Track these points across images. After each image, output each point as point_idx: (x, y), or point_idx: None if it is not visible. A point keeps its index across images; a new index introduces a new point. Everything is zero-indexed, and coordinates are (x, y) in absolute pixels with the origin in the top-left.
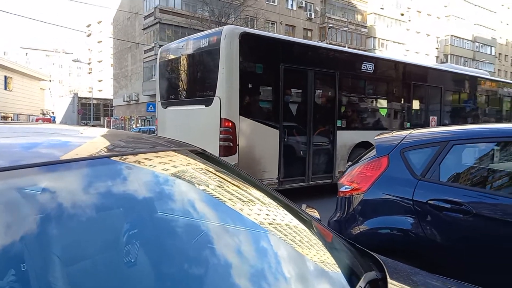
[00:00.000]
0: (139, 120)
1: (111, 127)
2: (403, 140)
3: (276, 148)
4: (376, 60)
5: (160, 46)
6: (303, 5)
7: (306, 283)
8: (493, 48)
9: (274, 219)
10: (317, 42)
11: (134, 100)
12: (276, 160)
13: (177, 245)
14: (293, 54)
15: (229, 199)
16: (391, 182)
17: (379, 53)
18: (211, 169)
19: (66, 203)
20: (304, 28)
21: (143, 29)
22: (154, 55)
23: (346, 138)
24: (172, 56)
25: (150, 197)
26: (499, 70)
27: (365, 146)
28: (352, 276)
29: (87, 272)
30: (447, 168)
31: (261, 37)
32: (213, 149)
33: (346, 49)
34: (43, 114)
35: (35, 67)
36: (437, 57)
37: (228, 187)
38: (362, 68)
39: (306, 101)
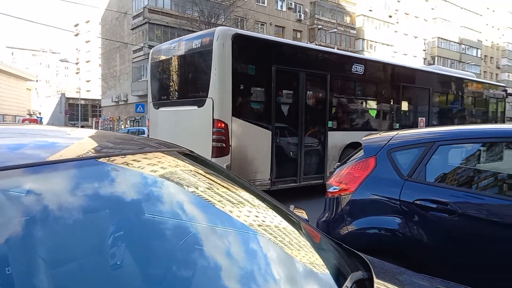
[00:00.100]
0: (128, 121)
1: (100, 128)
2: (390, 141)
3: (268, 149)
4: (366, 62)
5: (149, 46)
6: (293, 6)
7: (293, 283)
8: (479, 50)
9: (262, 220)
10: (307, 43)
11: (123, 100)
12: (268, 161)
13: (165, 247)
14: (285, 56)
15: (217, 201)
16: (379, 182)
17: (368, 54)
18: (199, 171)
19: (51, 205)
20: (293, 29)
21: (132, 29)
22: (143, 55)
23: (337, 139)
24: (164, 57)
25: (138, 198)
26: (484, 71)
27: (355, 146)
28: (339, 276)
29: (73, 276)
30: (433, 169)
31: (253, 39)
32: (206, 150)
33: (337, 51)
34: (30, 114)
35: (22, 67)
36: (425, 58)
37: (217, 188)
38: (352, 69)
39: (298, 102)
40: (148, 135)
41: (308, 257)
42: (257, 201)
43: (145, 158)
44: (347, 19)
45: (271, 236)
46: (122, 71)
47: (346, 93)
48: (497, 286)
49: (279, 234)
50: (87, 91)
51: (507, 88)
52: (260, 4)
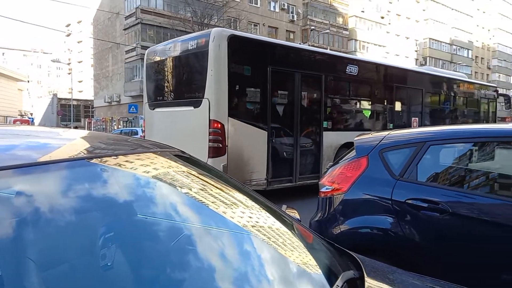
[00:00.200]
0: (121, 122)
1: (92, 128)
2: (382, 141)
3: (264, 149)
4: (360, 63)
5: (142, 46)
6: (286, 7)
7: (285, 283)
8: (469, 51)
9: (253, 221)
10: (300, 44)
11: (116, 101)
12: (264, 161)
13: (158, 248)
14: (280, 57)
15: (210, 201)
16: (371, 182)
17: (360, 55)
18: (191, 171)
19: (42, 206)
20: (286, 30)
21: (124, 30)
22: (136, 55)
23: (332, 139)
24: (159, 58)
25: (130, 199)
26: (475, 72)
27: (350, 146)
28: (330, 276)
29: (65, 278)
30: (424, 168)
31: (249, 40)
32: (202, 150)
33: (331, 52)
34: (21, 115)
35: (12, 67)
36: (416, 59)
37: (209, 189)
38: (346, 70)
39: (293, 103)
40: (144, 136)
41: (300, 257)
42: (249, 202)
43: (137, 159)
44: (340, 20)
45: (262, 236)
46: (114, 71)
47: (341, 94)
48: (488, 285)
49: (271, 235)
50: (79, 91)
51: (498, 89)
52: (253, 5)
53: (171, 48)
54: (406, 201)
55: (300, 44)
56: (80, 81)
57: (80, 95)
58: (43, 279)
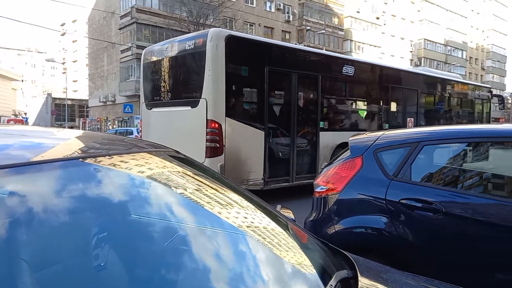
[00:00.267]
0: (116, 121)
1: (87, 128)
2: (376, 141)
3: (262, 149)
4: (356, 63)
5: (137, 46)
6: (281, 7)
7: (280, 283)
8: (464, 52)
9: (247, 220)
10: (295, 44)
11: (111, 101)
12: (261, 161)
13: (152, 248)
14: (277, 57)
15: (204, 201)
16: (365, 182)
17: (356, 55)
18: (186, 171)
19: (34, 206)
20: (282, 30)
21: (120, 29)
22: (131, 55)
23: (328, 139)
24: (157, 58)
25: (124, 199)
26: (470, 73)
27: (346, 146)
28: (324, 275)
29: (58, 279)
30: (418, 168)
31: (246, 40)
32: (200, 150)
33: (327, 52)
34: (15, 115)
35: (6, 67)
36: (411, 60)
37: (203, 189)
38: (343, 71)
39: (290, 103)
40: (141, 136)
41: (294, 257)
42: (243, 202)
43: (131, 158)
44: (335, 20)
45: (257, 236)
46: (109, 71)
47: (337, 94)
48: (482, 285)
49: (265, 235)
50: (74, 91)
51: (492, 90)
52: (249, 5)
53: (169, 48)
54: (400, 201)
55: (296, 44)
56: (75, 81)
57: (75, 95)
58: (37, 280)
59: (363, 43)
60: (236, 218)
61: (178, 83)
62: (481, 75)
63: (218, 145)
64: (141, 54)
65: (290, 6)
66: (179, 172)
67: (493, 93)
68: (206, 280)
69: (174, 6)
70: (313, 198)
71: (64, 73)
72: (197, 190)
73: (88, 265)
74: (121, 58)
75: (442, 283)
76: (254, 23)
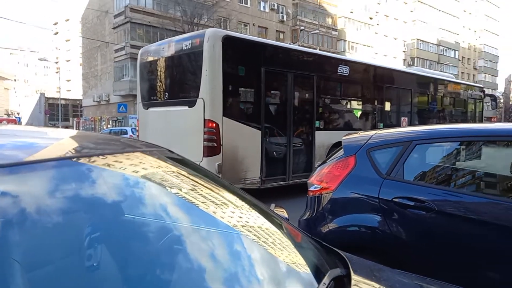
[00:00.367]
0: (110, 121)
1: (81, 128)
2: (369, 140)
3: (258, 148)
4: (351, 63)
5: (131, 45)
6: (275, 7)
7: (273, 281)
8: (456, 52)
9: (242, 219)
10: (289, 44)
11: (105, 100)
12: (258, 160)
13: (145, 248)
14: (274, 57)
15: (198, 201)
16: (358, 181)
17: (349, 55)
18: (179, 171)
19: (26, 206)
20: (276, 30)
21: (113, 28)
22: (125, 54)
23: (324, 138)
24: (153, 58)
25: (116, 199)
26: (462, 73)
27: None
28: (317, 274)
29: (50, 280)
30: (410, 167)
31: (243, 40)
32: (197, 149)
33: (323, 52)
34: (8, 114)
35: None
36: (404, 60)
37: (197, 188)
38: (338, 71)
39: (286, 103)
40: (138, 135)
41: (288, 256)
42: (237, 201)
43: (125, 158)
44: (329, 20)
45: (250, 235)
46: (103, 70)
47: (332, 94)
48: (474, 283)
49: (259, 233)
50: (68, 90)
51: (484, 89)
52: (243, 4)
53: (165, 48)
54: (393, 199)
55: (290, 44)
56: (68, 80)
57: (69, 94)
58: (29, 280)
59: (356, 43)
60: (230, 217)
61: (175, 83)
62: (474, 75)
63: (215, 145)
64: (135, 53)
65: (284, 6)
66: (173, 172)
67: (485, 92)
68: (201, 280)
69: (168, 6)
70: (307, 197)
71: (57, 72)
72: (192, 190)
73: (81, 266)
74: (115, 58)
75: (434, 280)
76: (248, 23)
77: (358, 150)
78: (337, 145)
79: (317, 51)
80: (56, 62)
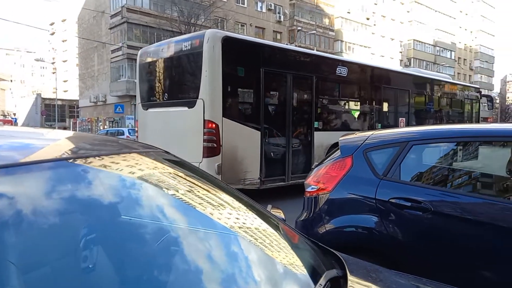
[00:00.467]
0: (107, 122)
1: (77, 129)
2: (366, 141)
3: (258, 149)
4: (349, 64)
5: (128, 46)
6: (272, 7)
7: (270, 282)
8: (452, 52)
9: (238, 220)
10: (287, 44)
11: (101, 101)
12: (257, 161)
13: (142, 249)
14: (273, 58)
15: (195, 202)
16: (355, 181)
17: (346, 56)
18: (176, 172)
19: (22, 207)
20: (273, 31)
21: (110, 29)
22: (122, 55)
23: (323, 139)
24: (153, 59)
25: (112, 200)
26: (458, 73)
27: None
28: (314, 274)
29: (46, 281)
30: (407, 168)
31: (242, 41)
32: (197, 150)
33: (322, 53)
34: (4, 115)
35: None
36: (401, 60)
37: (194, 189)
38: (336, 71)
39: (285, 104)
40: (137, 136)
41: (284, 257)
42: (233, 201)
43: (121, 159)
44: (326, 21)
45: (247, 236)
46: (100, 71)
47: (331, 95)
48: (470, 283)
49: (256, 234)
50: (64, 91)
51: (481, 90)
52: (240, 5)
53: (165, 49)
54: (390, 200)
55: (287, 44)
56: (65, 81)
57: (65, 95)
58: (25, 282)
59: (353, 43)
60: (227, 218)
61: (175, 83)
62: (470, 75)
63: (215, 145)
64: (132, 54)
65: (281, 6)
66: (170, 173)
67: (482, 93)
68: (198, 281)
69: (165, 6)
70: (304, 198)
71: (54, 73)
72: (188, 191)
73: (77, 268)
74: (111, 58)
75: (430, 281)
76: (245, 23)
77: (355, 151)
78: (336, 145)
79: (316, 52)
80: (53, 63)
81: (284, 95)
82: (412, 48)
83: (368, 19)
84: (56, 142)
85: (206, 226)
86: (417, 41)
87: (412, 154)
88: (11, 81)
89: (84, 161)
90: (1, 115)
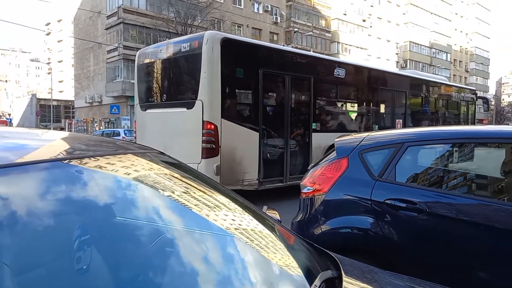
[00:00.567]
0: (103, 122)
1: (73, 129)
2: (362, 142)
3: (256, 150)
4: (347, 66)
5: (124, 46)
6: (269, 9)
7: (265, 283)
8: (448, 54)
9: (233, 221)
10: (283, 45)
11: (97, 101)
12: (256, 162)
13: (137, 251)
14: (271, 60)
15: (191, 203)
16: (351, 182)
17: (343, 57)
18: (172, 173)
19: (15, 208)
20: (270, 32)
21: (106, 29)
22: (118, 55)
23: (321, 140)
24: (151, 59)
25: (108, 201)
26: (454, 75)
27: None
28: (309, 275)
29: (41, 282)
30: (402, 169)
31: (241, 43)
32: (195, 151)
33: (320, 55)
34: None
35: None
36: (397, 62)
37: (190, 191)
38: (334, 73)
39: (284, 105)
40: (135, 137)
41: (280, 258)
42: (229, 203)
43: (116, 160)
44: (323, 22)
45: (243, 238)
46: (96, 71)
47: (329, 96)
48: (465, 284)
49: (251, 235)
50: (60, 91)
51: (476, 92)
52: (237, 6)
53: (163, 50)
54: (385, 201)
55: (283, 45)
56: (60, 81)
57: (61, 95)
58: (18, 284)
59: (350, 45)
60: (222, 219)
61: (174, 84)
62: (465, 77)
63: (214, 146)
64: (128, 54)
65: (278, 7)
66: (165, 174)
67: (477, 95)
68: (193, 282)
69: (162, 7)
70: (300, 199)
71: (49, 73)
72: (184, 192)
73: (72, 269)
74: (107, 59)
75: (424, 282)
76: (242, 25)
77: (350, 152)
78: (334, 146)
79: (314, 54)
80: (48, 63)
81: (282, 97)
82: (408, 50)
83: (364, 21)
84: (51, 142)
85: (201, 227)
86: (413, 43)
87: (407, 155)
88: (6, 81)
89: (79, 161)
90: None
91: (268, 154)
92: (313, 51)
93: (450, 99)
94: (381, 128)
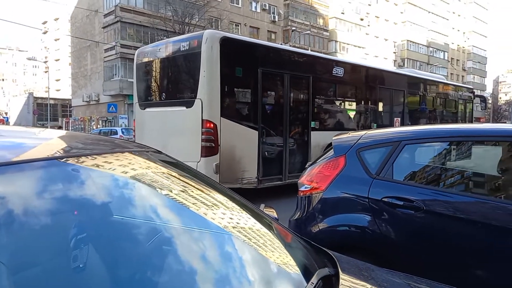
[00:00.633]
0: (100, 121)
1: (70, 128)
2: (359, 140)
3: (255, 148)
4: (346, 65)
5: (121, 45)
6: (267, 7)
7: (262, 281)
8: (446, 53)
9: (230, 219)
10: (281, 44)
11: (94, 100)
12: (255, 160)
13: (135, 249)
14: (271, 58)
15: (188, 201)
16: (348, 180)
17: (341, 56)
18: (169, 171)
19: (12, 207)
20: (268, 31)
21: (103, 28)
22: (115, 54)
23: (319, 138)
24: (150, 58)
25: (105, 200)
26: (451, 74)
27: None
28: (306, 273)
29: (38, 281)
30: (399, 167)
31: (240, 42)
32: (195, 150)
33: (318, 54)
34: None
35: None
36: (395, 60)
37: (187, 189)
38: (333, 72)
39: (283, 103)
40: (134, 135)
41: (277, 256)
42: (227, 201)
43: (114, 159)
44: (320, 21)
45: (240, 235)
46: (93, 70)
47: (328, 95)
48: (462, 282)
49: (248, 233)
50: (57, 90)
51: (474, 90)
52: (235, 4)
53: (163, 49)
54: (382, 199)
55: (281, 44)
56: (57, 80)
57: (58, 94)
58: (15, 283)
59: (347, 43)
60: (220, 218)
61: (173, 83)
62: (462, 76)
63: (213, 145)
64: (125, 53)
65: (276, 6)
66: (163, 172)
67: (475, 93)
68: (191, 281)
69: (159, 5)
70: (297, 197)
71: (46, 72)
72: (181, 191)
73: (69, 268)
74: (104, 57)
75: (421, 279)
76: (240, 23)
77: (348, 150)
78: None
79: (313, 53)
80: (45, 62)
81: (281, 95)
82: (405, 48)
83: (362, 19)
84: (48, 141)
85: (199, 225)
86: (410, 41)
87: (404, 153)
88: (3, 80)
89: (76, 160)
90: None
91: (267, 153)
92: (311, 50)
93: (447, 98)
94: (379, 126)
